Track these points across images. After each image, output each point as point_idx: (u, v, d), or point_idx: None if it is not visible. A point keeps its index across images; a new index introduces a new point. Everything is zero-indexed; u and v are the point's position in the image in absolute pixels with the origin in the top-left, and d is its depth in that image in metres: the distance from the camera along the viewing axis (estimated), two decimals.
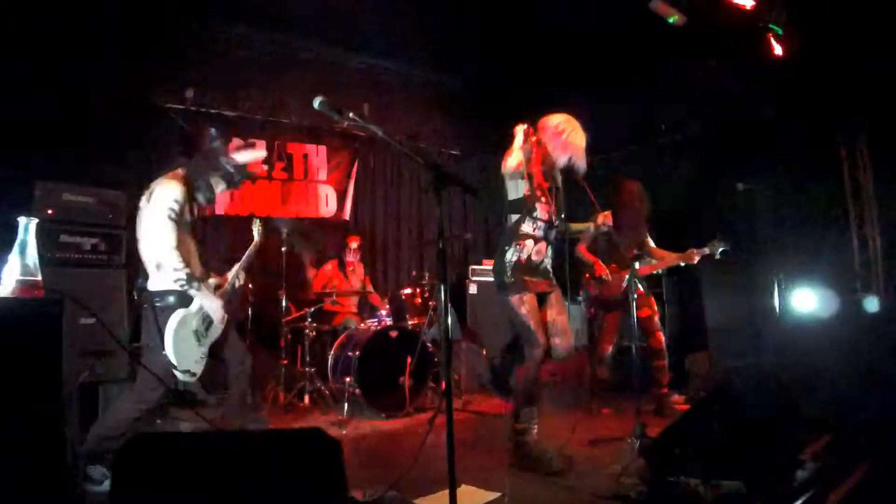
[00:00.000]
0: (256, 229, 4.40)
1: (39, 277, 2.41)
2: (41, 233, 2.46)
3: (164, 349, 3.41)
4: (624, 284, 5.64)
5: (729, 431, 3.12)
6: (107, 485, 3.34)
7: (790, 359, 5.11)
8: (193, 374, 3.52)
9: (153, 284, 3.49)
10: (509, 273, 4.13)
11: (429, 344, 6.14)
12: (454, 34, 7.18)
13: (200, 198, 3.79)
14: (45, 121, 5.68)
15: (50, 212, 5.24)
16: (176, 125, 6.95)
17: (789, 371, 3.93)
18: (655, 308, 5.81)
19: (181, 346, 3.46)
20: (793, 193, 6.85)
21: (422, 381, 6.02)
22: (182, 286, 3.46)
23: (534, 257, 4.18)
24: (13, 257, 2.37)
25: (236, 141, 3.96)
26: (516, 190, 4.19)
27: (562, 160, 4.23)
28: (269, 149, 7.64)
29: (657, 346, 5.72)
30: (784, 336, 6.03)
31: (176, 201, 3.51)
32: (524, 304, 4.06)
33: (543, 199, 4.19)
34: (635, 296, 4.65)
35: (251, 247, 4.29)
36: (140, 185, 6.42)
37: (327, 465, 1.88)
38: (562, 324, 4.19)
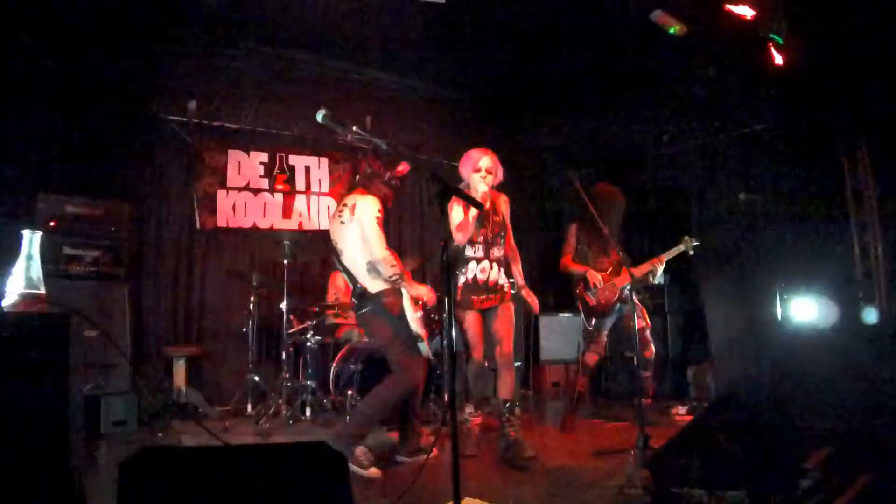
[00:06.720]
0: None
1: (43, 291, 2.40)
2: (43, 245, 2.45)
3: (409, 325, 4.25)
4: (622, 292, 5.61)
5: (732, 442, 3.12)
6: (373, 470, 3.93)
7: (792, 369, 5.10)
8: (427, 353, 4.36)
9: (373, 287, 4.16)
10: (460, 293, 4.68)
11: (431, 356, 6.12)
12: (455, 46, 7.20)
13: None
14: (47, 132, 5.70)
15: (52, 224, 5.26)
16: (178, 137, 6.97)
17: (791, 381, 3.92)
18: (648, 319, 5.79)
19: (416, 324, 4.28)
20: (794, 203, 6.86)
21: (424, 394, 5.98)
22: (395, 282, 4.11)
23: (479, 276, 4.65)
24: (17, 270, 2.36)
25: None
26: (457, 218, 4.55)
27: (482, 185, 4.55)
28: (271, 161, 7.65)
29: (649, 357, 5.73)
30: (786, 346, 6.01)
31: (380, 210, 4.12)
32: (465, 321, 4.70)
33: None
34: (634, 303, 4.78)
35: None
36: (143, 196, 6.56)
37: (333, 479, 1.88)
38: (501, 333, 4.66)
